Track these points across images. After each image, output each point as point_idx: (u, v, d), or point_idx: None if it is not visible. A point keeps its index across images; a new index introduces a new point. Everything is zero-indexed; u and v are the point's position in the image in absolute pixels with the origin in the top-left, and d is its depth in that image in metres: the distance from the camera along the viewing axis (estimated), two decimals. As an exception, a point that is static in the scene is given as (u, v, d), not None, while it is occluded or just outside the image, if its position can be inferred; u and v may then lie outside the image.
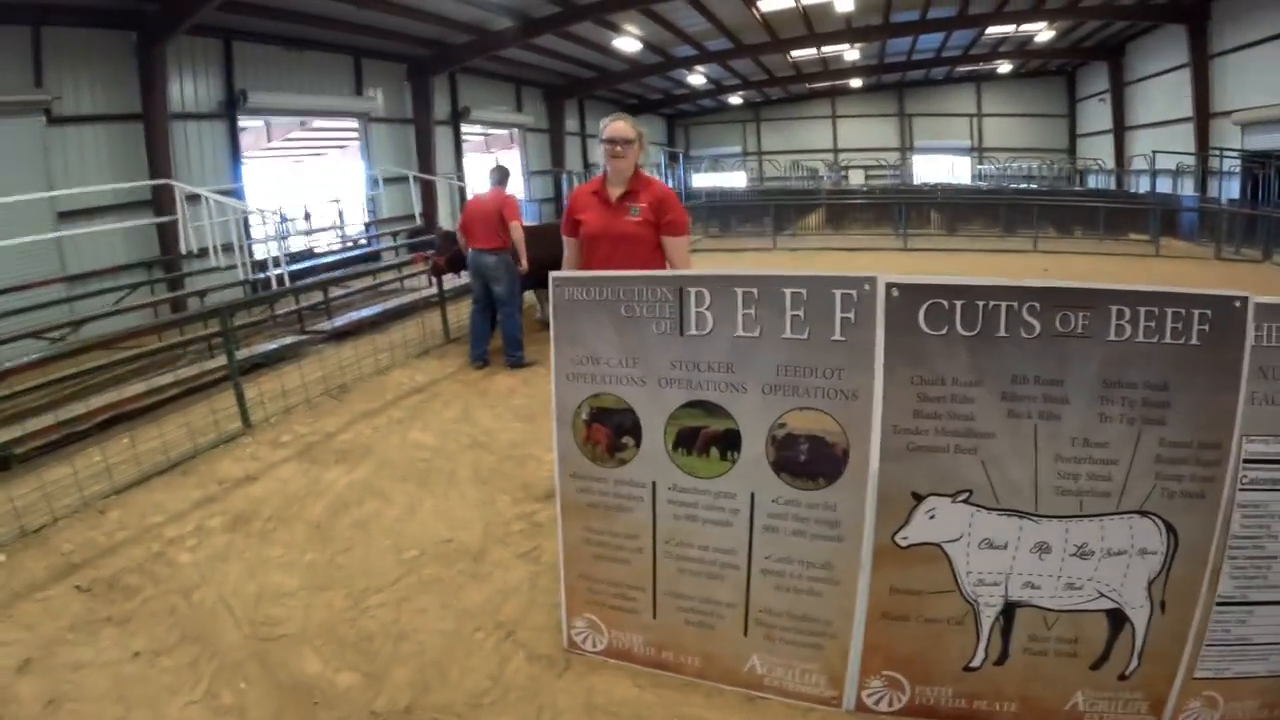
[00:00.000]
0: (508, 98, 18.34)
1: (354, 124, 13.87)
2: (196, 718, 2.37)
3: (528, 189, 19.00)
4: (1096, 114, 21.65)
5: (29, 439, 4.41)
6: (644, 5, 13.27)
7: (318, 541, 3.50)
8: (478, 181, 15.12)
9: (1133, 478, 1.97)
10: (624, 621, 2.47)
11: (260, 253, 9.83)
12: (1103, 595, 2.04)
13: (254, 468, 4.42)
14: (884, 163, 24.67)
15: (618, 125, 3.08)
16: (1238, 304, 1.88)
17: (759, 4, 14.54)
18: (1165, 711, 2.09)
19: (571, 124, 21.21)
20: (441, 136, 15.41)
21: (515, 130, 19.32)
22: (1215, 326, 1.89)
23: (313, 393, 5.63)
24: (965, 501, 2.04)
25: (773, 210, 15.47)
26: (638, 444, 2.32)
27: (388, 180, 13.59)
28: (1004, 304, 1.95)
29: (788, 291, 2.09)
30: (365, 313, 8.16)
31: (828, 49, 19.17)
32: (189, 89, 10.17)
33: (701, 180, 23.87)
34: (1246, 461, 1.95)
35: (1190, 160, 15.32)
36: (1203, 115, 14.85)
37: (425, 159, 14.60)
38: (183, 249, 8.90)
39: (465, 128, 16.64)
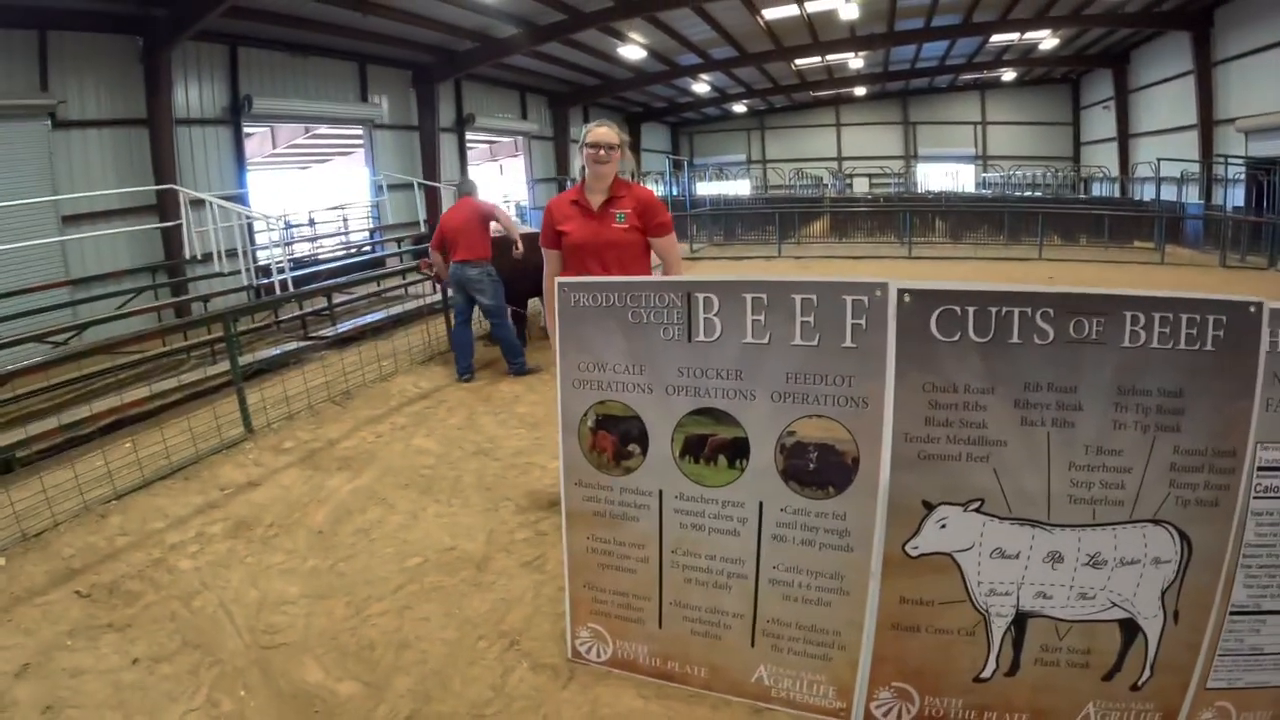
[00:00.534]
0: (513, 105, 18.41)
1: (359, 130, 13.94)
2: (196, 726, 2.34)
3: (532, 196, 19.04)
4: (1101, 121, 21.68)
5: (31, 442, 4.40)
6: (649, 13, 13.32)
7: (319, 548, 3.48)
8: (479, 188, 15.15)
9: (1146, 486, 1.93)
10: (629, 631, 2.44)
11: (264, 258, 9.86)
12: (1115, 605, 2.00)
13: (256, 474, 4.40)
14: (888, 171, 24.69)
15: (601, 131, 3.05)
16: (1253, 309, 1.85)
17: (764, 12, 14.58)
18: (1178, 723, 2.05)
19: (576, 132, 21.18)
20: (446, 143, 15.46)
21: (520, 137, 19.41)
22: (1230, 332, 1.85)
23: (316, 399, 5.62)
24: (977, 510, 2.01)
25: (777, 218, 15.45)
26: (644, 452, 2.30)
27: (392, 187, 13.65)
28: (1017, 310, 1.92)
29: (797, 298, 2.06)
30: (369, 319, 8.15)
31: (832, 57, 19.24)
32: (194, 94, 10.23)
33: (706, 188, 23.89)
34: (1261, 469, 1.92)
35: (1195, 167, 15.31)
36: (1207, 122, 14.88)
37: (430, 166, 14.65)
38: (187, 254, 8.94)
39: (470, 135, 16.69)
